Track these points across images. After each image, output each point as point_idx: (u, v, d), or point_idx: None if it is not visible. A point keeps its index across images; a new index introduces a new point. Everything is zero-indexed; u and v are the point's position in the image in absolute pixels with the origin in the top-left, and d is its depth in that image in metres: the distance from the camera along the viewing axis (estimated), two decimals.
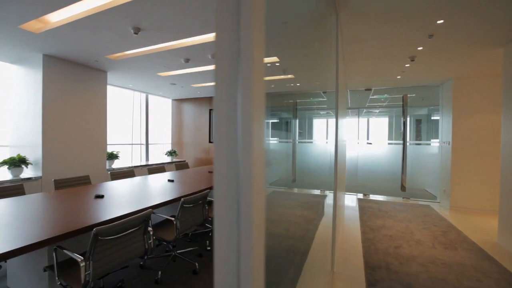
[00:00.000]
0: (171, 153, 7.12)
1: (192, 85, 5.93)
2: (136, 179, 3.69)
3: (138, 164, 5.99)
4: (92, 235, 1.51)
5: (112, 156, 5.19)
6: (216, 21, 0.38)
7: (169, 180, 3.59)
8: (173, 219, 2.28)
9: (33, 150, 3.97)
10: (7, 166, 3.64)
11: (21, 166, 3.76)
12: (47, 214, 1.96)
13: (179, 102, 8.05)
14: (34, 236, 1.52)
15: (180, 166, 5.24)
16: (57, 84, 4.11)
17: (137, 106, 7.10)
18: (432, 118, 6.66)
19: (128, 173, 4.02)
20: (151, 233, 1.98)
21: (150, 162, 6.68)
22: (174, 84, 5.74)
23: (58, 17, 2.95)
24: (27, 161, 3.84)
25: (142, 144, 7.27)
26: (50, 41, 3.35)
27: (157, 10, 2.57)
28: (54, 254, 1.64)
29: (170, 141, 8.19)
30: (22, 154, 3.87)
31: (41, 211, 2.06)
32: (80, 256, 1.52)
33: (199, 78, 5.25)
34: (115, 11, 2.60)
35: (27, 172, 3.98)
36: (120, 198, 2.52)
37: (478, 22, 2.67)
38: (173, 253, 2.63)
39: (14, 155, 3.93)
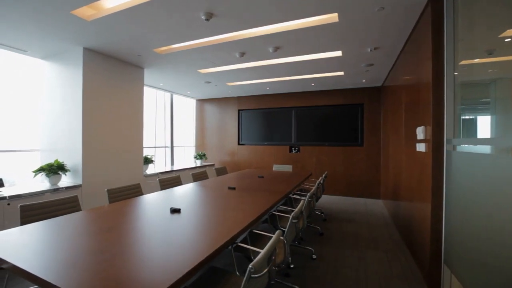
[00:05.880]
0: (200, 156, 6.69)
1: (228, 84, 5.54)
2: (193, 187, 3.28)
3: (173, 169, 5.58)
4: (248, 272, 1.13)
5: (147, 161, 4.77)
6: None
7: (229, 188, 3.20)
8: (282, 237, 1.89)
9: (69, 155, 3.54)
10: (45, 174, 3.21)
11: (59, 174, 3.33)
12: (146, 241, 1.56)
13: (203, 102, 7.65)
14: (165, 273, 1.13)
15: (220, 171, 4.84)
16: (97, 82, 3.69)
17: (161, 106, 6.68)
18: None
19: (176, 180, 3.61)
20: (274, 257, 1.59)
21: (175, 167, 6.27)
22: (209, 82, 5.35)
23: (116, 1, 2.56)
24: (66, 168, 3.41)
25: (167, 146, 6.85)
26: (99, 31, 2.95)
27: None
28: None
29: (193, 144, 7.78)
30: (58, 160, 3.44)
31: (133, 234, 1.66)
32: None
33: (243, 75, 4.84)
34: None
35: (64, 180, 3.55)
36: (201, 214, 2.12)
37: None
38: None
39: (47, 160, 3.51)
